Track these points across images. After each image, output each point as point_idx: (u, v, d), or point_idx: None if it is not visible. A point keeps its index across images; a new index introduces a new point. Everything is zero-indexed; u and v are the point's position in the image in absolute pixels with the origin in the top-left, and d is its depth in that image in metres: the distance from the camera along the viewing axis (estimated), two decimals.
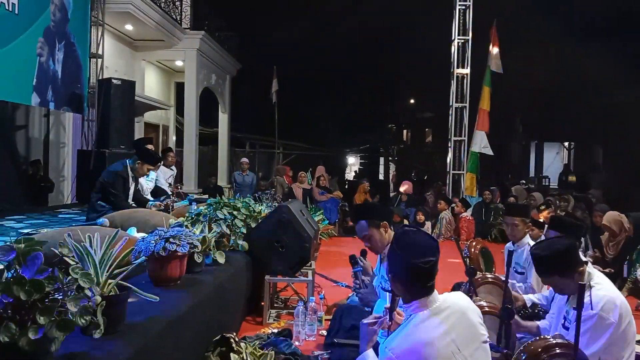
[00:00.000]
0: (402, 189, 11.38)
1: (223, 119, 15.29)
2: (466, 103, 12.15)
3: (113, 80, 8.79)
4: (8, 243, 1.65)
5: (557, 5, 18.15)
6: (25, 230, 5.22)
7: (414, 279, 1.94)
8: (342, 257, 7.26)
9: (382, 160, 28.95)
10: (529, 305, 3.43)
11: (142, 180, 5.82)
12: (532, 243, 3.94)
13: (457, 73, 12.16)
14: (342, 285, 5.55)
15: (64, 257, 1.94)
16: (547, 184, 20.82)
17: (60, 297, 1.60)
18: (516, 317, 2.82)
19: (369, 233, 3.17)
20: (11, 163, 8.40)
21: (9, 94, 7.13)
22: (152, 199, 5.85)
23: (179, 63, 13.07)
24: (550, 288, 3.38)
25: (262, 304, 4.31)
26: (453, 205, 10.40)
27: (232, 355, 2.80)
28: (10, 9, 6.80)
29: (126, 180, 5.19)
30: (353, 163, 30.07)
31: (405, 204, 10.90)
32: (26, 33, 7.21)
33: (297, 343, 3.67)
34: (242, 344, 2.94)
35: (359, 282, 3.42)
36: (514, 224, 4.07)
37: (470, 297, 2.49)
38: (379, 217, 3.19)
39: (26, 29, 7.22)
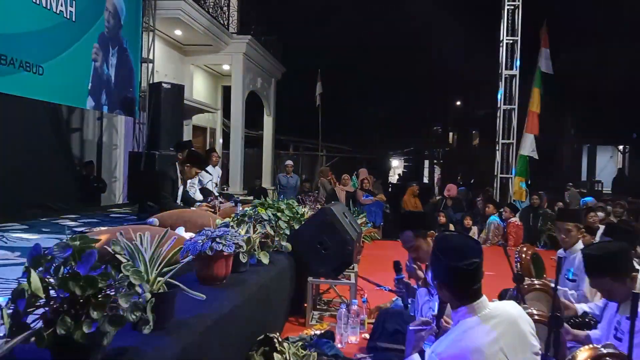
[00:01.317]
0: (446, 192, 11.22)
1: (268, 121, 15.48)
2: (515, 105, 11.86)
3: (163, 84, 9.04)
4: (64, 241, 1.73)
5: (611, 4, 17.46)
6: (80, 229, 5.43)
7: (459, 283, 1.90)
8: (386, 261, 7.21)
9: (426, 163, 28.62)
10: (581, 313, 3.31)
11: (187, 182, 5.97)
12: None
13: (505, 74, 11.89)
14: (385, 289, 5.51)
15: (116, 255, 2.01)
16: (599, 188, 20.04)
17: (113, 293, 1.66)
18: (565, 324, 2.73)
19: (416, 244, 3.08)
20: (66, 164, 8.75)
21: (66, 97, 7.44)
22: (199, 198, 5.99)
23: (226, 67, 13.32)
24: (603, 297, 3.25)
25: (305, 305, 4.34)
26: (501, 210, 10.16)
27: (275, 355, 2.83)
28: (68, 17, 7.11)
29: (175, 182, 5.32)
30: (397, 166, 29.83)
31: (452, 209, 10.70)
32: (82, 39, 7.52)
33: (339, 345, 3.67)
34: (285, 345, 2.97)
35: (402, 288, 3.38)
36: (567, 229, 3.93)
37: (518, 304, 2.43)
38: (425, 227, 3.11)
39: (82, 36, 7.52)
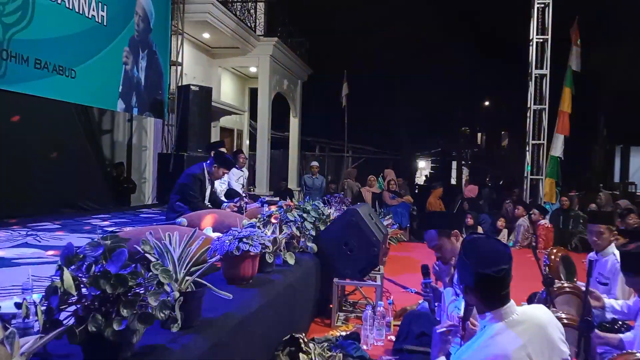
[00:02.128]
0: (467, 193, 11.11)
1: (294, 123, 15.53)
2: (545, 105, 11.64)
3: (191, 87, 9.16)
4: (95, 240, 1.77)
5: None
6: (110, 229, 5.54)
7: (486, 289, 1.85)
8: (412, 263, 7.17)
9: (454, 164, 28.30)
10: (608, 310, 3.22)
11: (215, 182, 6.03)
12: (617, 252, 3.72)
13: (535, 74, 11.68)
14: (411, 291, 5.48)
15: (146, 254, 2.05)
16: (633, 190, 19.47)
17: (142, 291, 1.69)
18: (595, 330, 2.66)
19: (439, 243, 3.05)
20: (97, 165, 8.94)
21: (97, 100, 7.62)
22: (226, 200, 6.04)
23: (252, 69, 13.43)
24: (636, 298, 3.17)
25: (331, 306, 4.34)
26: (530, 212, 9.98)
27: (301, 355, 2.84)
28: (100, 21, 7.28)
29: (203, 183, 5.39)
30: (424, 167, 29.59)
31: (471, 209, 10.56)
32: (113, 43, 7.69)
33: (365, 347, 3.66)
34: (311, 345, 2.98)
35: (429, 292, 3.36)
36: (599, 231, 3.84)
37: (547, 308, 2.38)
38: (449, 226, 3.07)
39: (113, 39, 7.69)
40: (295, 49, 14.48)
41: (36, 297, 1.74)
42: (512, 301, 1.88)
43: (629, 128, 20.72)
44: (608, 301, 3.26)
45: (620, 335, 2.81)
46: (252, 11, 12.53)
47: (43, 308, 1.62)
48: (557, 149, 11.30)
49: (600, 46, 16.56)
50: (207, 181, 5.46)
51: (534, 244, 9.18)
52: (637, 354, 2.02)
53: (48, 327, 1.56)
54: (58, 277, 1.63)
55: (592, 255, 3.99)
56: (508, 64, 17.10)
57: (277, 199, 7.53)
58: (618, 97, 19.20)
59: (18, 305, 1.63)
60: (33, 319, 1.63)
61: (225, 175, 6.34)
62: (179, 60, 10.03)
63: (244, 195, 6.43)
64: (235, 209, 5.34)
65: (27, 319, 1.62)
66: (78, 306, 1.62)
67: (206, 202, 5.45)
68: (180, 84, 9.85)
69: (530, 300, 3.81)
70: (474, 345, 1.86)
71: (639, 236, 3.23)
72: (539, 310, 1.95)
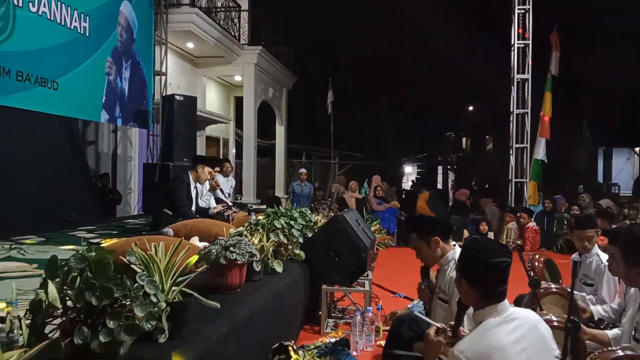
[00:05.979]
0: (457, 196, 11.20)
1: (280, 131, 15.54)
2: (527, 109, 11.79)
3: (176, 97, 9.12)
4: (80, 252, 1.76)
5: (623, 5, 17.32)
6: (96, 240, 5.48)
7: (488, 281, 1.96)
8: (400, 268, 7.19)
9: (440, 169, 28.51)
10: (596, 318, 3.26)
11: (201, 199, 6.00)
12: (600, 253, 3.76)
13: (517, 78, 11.84)
14: (400, 296, 5.50)
15: (132, 265, 2.04)
16: (616, 191, 19.75)
17: (128, 302, 1.68)
18: (583, 326, 2.67)
19: (417, 246, 3.16)
20: (82, 176, 8.85)
21: (81, 111, 7.56)
22: (213, 205, 6.01)
23: (237, 78, 13.42)
24: (619, 299, 3.21)
25: (320, 313, 4.33)
26: (518, 216, 10.07)
27: None
28: (82, 32, 7.23)
29: (189, 187, 5.38)
30: (410, 172, 29.76)
31: (460, 212, 10.62)
32: (96, 54, 7.63)
33: (354, 353, 3.66)
34: (300, 352, 2.97)
35: (425, 294, 3.39)
36: (589, 236, 3.85)
37: (534, 310, 2.41)
38: (430, 232, 3.15)
39: (96, 50, 7.64)
40: (280, 57, 14.52)
41: (21, 311, 1.72)
42: (507, 300, 1.99)
43: (611, 130, 21.08)
44: (595, 309, 3.29)
45: (608, 332, 2.82)
46: (235, 20, 12.54)
47: (27, 322, 1.60)
48: (540, 152, 11.46)
49: (581, 50, 16.84)
50: (192, 186, 5.45)
51: (520, 245, 9.27)
52: (619, 352, 2.04)
53: (33, 341, 1.55)
54: (43, 291, 1.61)
55: (575, 256, 4.02)
56: (491, 69, 17.30)
57: (265, 207, 7.52)
58: (600, 100, 19.53)
59: (2, 319, 1.62)
60: (17, 333, 1.61)
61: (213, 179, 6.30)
62: (163, 70, 9.99)
63: (230, 203, 6.42)
64: (222, 209, 5.34)
65: (11, 333, 1.60)
66: (63, 319, 1.61)
67: (193, 207, 5.43)
68: (164, 94, 9.80)
69: (517, 303, 3.84)
70: (471, 338, 1.94)
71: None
72: (529, 312, 2.07)
